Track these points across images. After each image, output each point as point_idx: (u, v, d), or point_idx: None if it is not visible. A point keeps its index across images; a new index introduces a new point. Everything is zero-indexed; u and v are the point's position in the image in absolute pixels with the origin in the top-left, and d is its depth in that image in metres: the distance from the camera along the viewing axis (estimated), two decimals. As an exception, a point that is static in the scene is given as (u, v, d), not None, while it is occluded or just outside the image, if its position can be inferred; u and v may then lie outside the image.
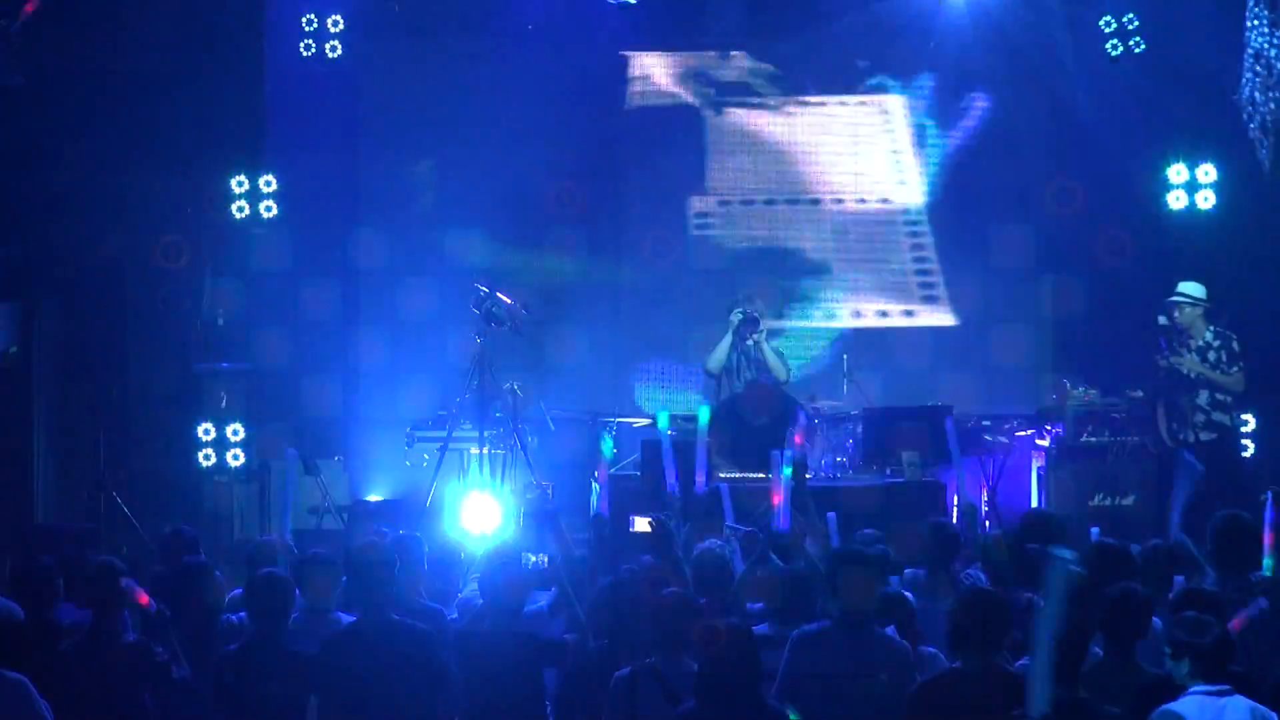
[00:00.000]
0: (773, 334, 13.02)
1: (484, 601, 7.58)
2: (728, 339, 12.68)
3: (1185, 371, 12.42)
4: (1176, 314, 12.59)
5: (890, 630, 6.94)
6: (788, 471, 8.48)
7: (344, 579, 7.67)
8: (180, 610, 7.62)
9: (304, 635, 7.33)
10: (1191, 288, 12.65)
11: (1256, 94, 13.58)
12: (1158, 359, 12.59)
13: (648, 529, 8.20)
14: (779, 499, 8.29)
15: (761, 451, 9.27)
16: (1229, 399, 12.51)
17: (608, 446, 9.14)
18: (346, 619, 7.46)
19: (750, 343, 12.61)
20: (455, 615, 8.04)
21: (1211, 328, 12.58)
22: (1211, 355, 12.53)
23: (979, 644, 6.35)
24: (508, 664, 7.04)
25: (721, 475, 11.64)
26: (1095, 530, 8.84)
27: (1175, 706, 6.06)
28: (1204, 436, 12.50)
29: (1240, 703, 6.05)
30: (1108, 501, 12.83)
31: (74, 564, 8.20)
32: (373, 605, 7.14)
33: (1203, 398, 12.49)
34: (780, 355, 12.59)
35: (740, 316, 12.64)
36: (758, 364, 12.56)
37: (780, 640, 7.07)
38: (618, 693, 6.84)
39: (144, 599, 7.47)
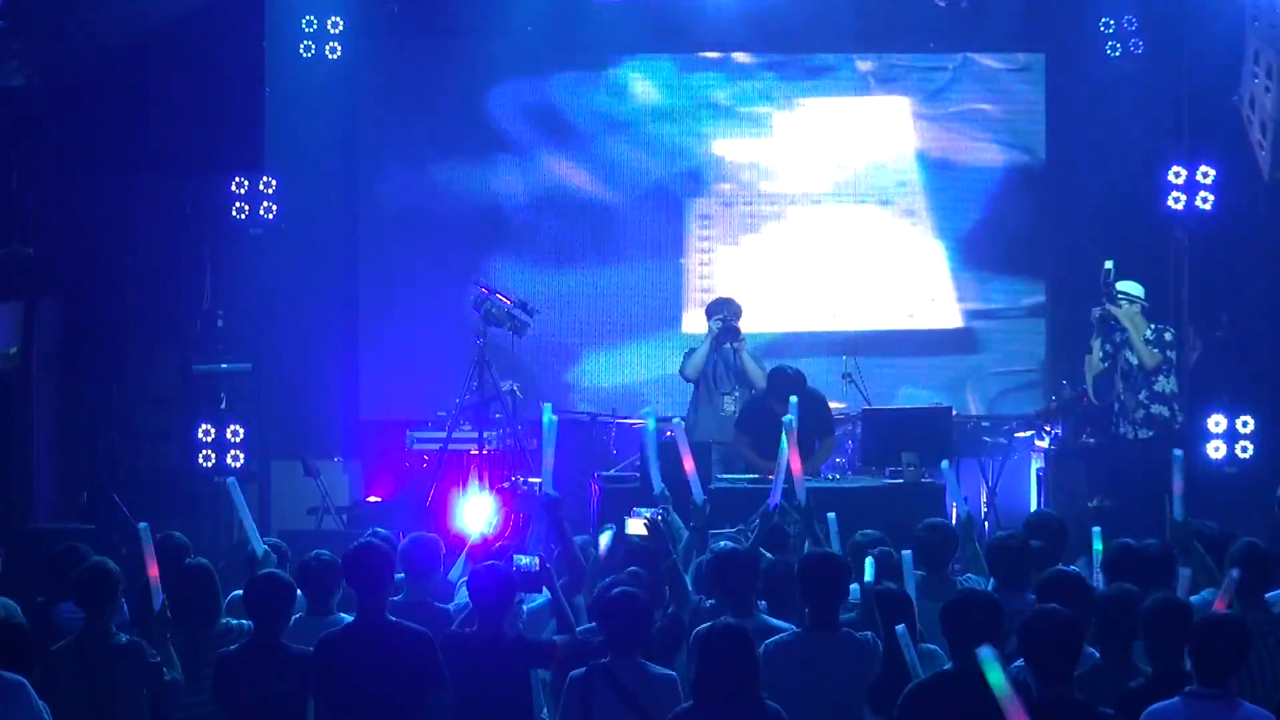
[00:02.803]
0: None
1: (471, 605, 7.57)
2: (705, 346, 12.62)
3: (1117, 320, 12.45)
4: (1112, 307, 12.60)
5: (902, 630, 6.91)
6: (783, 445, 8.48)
7: (344, 580, 7.67)
8: (180, 613, 7.61)
9: (305, 637, 7.32)
10: (1130, 286, 12.67)
11: (1256, 94, 13.58)
12: (1093, 309, 12.63)
13: (642, 531, 8.14)
14: (782, 473, 8.27)
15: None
16: (1169, 389, 12.50)
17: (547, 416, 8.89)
18: (348, 621, 7.46)
19: (729, 348, 12.55)
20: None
21: (1152, 325, 12.61)
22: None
23: (972, 646, 6.35)
24: (496, 667, 7.02)
25: (726, 476, 11.65)
26: (1097, 529, 8.82)
27: (1167, 708, 6.05)
28: (1141, 434, 12.51)
29: (1240, 709, 6.02)
30: (1107, 502, 12.83)
31: (68, 563, 8.20)
32: (369, 607, 7.13)
33: (1143, 392, 12.51)
34: (759, 363, 12.52)
35: (720, 325, 12.57)
36: (737, 372, 12.51)
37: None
38: (571, 696, 6.83)
39: (153, 570, 7.47)
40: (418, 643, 7.07)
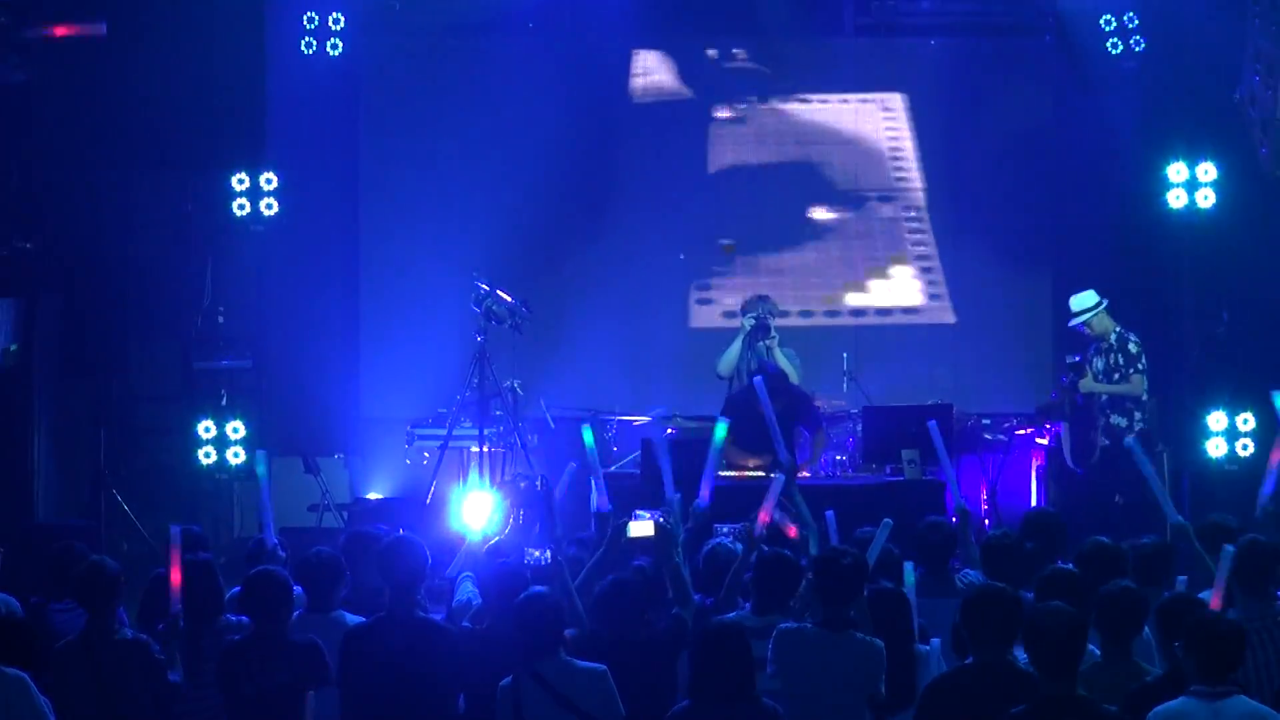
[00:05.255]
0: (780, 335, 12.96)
1: (481, 601, 7.58)
2: (739, 343, 12.66)
3: (1085, 393, 12.45)
4: (1088, 330, 12.57)
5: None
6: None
7: (348, 575, 7.69)
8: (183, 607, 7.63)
9: (307, 634, 7.35)
10: (1083, 299, 12.63)
11: (1256, 93, 13.58)
12: (1061, 381, 12.63)
13: (649, 532, 8.14)
14: (765, 518, 8.22)
15: (768, 437, 9.28)
16: (1128, 401, 12.49)
17: (589, 436, 8.92)
18: (351, 619, 7.47)
19: (763, 346, 12.60)
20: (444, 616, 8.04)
21: (1116, 329, 12.57)
22: (1112, 358, 12.51)
23: (992, 640, 6.35)
24: (507, 662, 7.03)
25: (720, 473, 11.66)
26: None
27: (1171, 706, 6.06)
28: (1101, 441, 12.50)
29: (1238, 704, 6.03)
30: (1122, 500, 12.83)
31: (66, 563, 8.22)
32: (400, 602, 7.16)
33: (1104, 398, 12.50)
34: (791, 361, 12.55)
35: (752, 323, 12.61)
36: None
37: (755, 630, 7.02)
38: (503, 703, 6.82)
39: (176, 576, 7.46)
40: (445, 638, 7.13)
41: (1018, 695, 6.04)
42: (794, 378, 12.32)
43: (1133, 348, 12.48)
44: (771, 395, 10.91)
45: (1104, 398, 12.50)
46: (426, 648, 7.06)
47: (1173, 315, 14.78)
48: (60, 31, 12.99)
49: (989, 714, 6.08)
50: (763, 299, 12.88)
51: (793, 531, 8.27)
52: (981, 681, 6.28)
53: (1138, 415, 12.52)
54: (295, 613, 7.64)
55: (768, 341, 12.59)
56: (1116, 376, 12.46)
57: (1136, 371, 12.45)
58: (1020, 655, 6.30)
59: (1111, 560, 7.74)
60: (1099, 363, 12.50)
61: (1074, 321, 12.65)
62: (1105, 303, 12.62)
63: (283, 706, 7.04)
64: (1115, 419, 12.50)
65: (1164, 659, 6.61)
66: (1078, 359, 12.57)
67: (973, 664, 6.41)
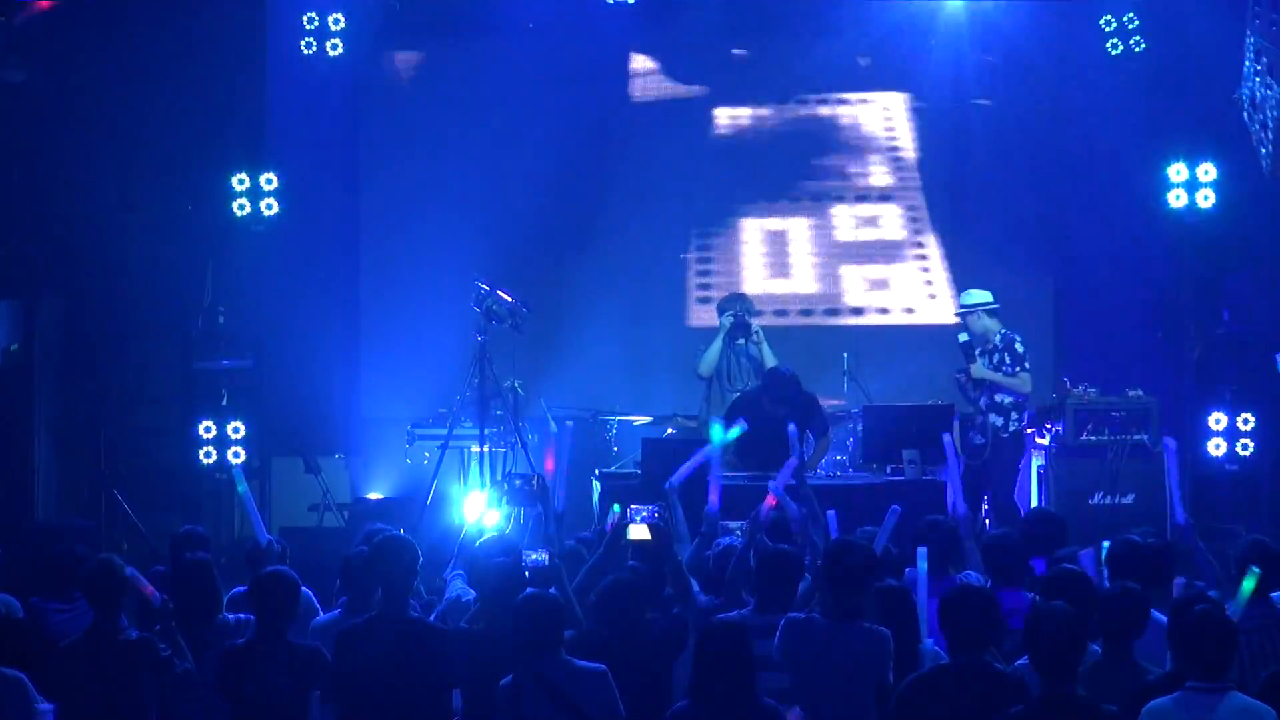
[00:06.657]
0: (771, 333, 12.95)
1: (479, 601, 7.58)
2: (718, 343, 12.64)
3: (975, 378, 12.40)
4: (970, 322, 12.54)
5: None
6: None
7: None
8: (180, 606, 7.63)
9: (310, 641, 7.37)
10: (974, 295, 12.60)
11: (1257, 93, 13.57)
12: (956, 375, 12.60)
13: (646, 535, 8.13)
14: (772, 500, 8.24)
15: (778, 440, 9.24)
16: (1007, 400, 12.44)
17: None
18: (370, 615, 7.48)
19: (741, 344, 12.57)
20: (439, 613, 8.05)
21: (1001, 330, 12.54)
22: (996, 357, 12.48)
23: (968, 642, 6.36)
24: (506, 662, 7.03)
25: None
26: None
27: (1166, 703, 6.06)
28: (977, 440, 12.49)
29: (1234, 700, 6.04)
30: (1107, 500, 12.84)
31: (68, 562, 8.23)
32: (392, 601, 7.16)
33: (982, 400, 12.48)
34: (778, 356, 12.54)
35: (731, 321, 12.60)
36: (756, 364, 12.52)
37: (758, 629, 7.02)
38: (503, 703, 6.83)
39: (148, 589, 7.49)
40: (438, 639, 7.13)
41: (994, 696, 6.06)
42: None
43: (1019, 347, 12.46)
44: (786, 400, 10.88)
45: (983, 401, 12.46)
46: (417, 647, 7.07)
47: (1173, 315, 14.78)
48: (43, 4, 13.00)
49: (964, 715, 6.09)
50: (740, 297, 12.87)
51: (771, 500, 8.26)
52: (957, 682, 6.29)
53: (1014, 415, 12.48)
54: (335, 612, 7.68)
55: (752, 339, 12.56)
56: (1003, 374, 12.43)
57: (1024, 370, 12.43)
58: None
59: (1140, 559, 7.73)
60: (982, 361, 12.48)
61: (956, 312, 12.66)
62: (995, 306, 12.57)
63: (287, 709, 7.05)
64: (993, 418, 12.46)
65: (1172, 658, 6.59)
66: (968, 340, 12.52)
67: (949, 664, 6.43)
